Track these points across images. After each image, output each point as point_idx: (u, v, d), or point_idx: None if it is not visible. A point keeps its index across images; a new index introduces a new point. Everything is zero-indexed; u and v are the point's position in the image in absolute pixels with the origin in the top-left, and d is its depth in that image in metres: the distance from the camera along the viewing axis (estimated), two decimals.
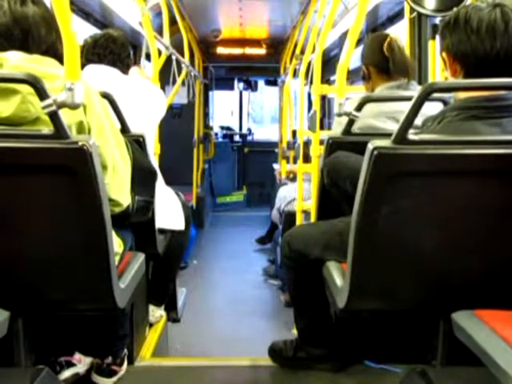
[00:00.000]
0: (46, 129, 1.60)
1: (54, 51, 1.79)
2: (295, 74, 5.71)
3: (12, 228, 1.68)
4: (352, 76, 5.45)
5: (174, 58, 4.65)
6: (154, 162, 2.96)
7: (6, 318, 1.67)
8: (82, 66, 2.78)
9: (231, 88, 10.32)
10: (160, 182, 2.67)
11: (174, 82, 4.82)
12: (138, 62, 3.20)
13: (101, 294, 1.83)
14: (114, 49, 2.88)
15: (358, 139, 2.31)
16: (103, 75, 2.79)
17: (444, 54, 1.80)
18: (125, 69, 2.93)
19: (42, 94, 1.51)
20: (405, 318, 2.11)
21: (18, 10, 1.75)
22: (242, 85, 10.15)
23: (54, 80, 1.68)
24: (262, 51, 8.77)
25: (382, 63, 2.67)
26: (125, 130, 2.40)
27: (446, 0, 2.64)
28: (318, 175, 2.80)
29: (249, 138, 10.48)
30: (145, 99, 2.91)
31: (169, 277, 3.42)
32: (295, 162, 5.19)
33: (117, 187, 1.89)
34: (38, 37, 1.77)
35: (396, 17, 4.41)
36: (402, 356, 2.33)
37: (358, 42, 2.74)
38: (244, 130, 10.68)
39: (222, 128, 10.42)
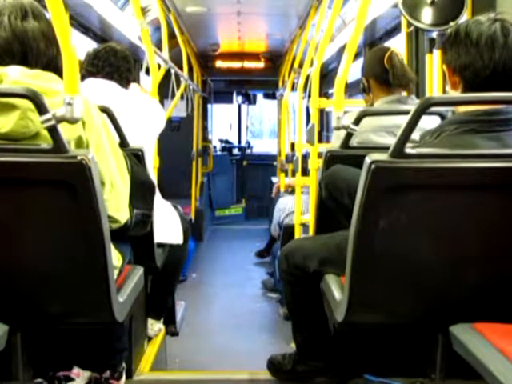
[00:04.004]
0: (46, 143, 1.60)
1: (54, 65, 1.80)
2: (294, 87, 5.72)
3: (11, 242, 1.68)
4: (350, 89, 5.48)
5: (172, 71, 4.66)
6: (153, 175, 2.96)
7: (4, 332, 1.67)
8: (82, 78, 2.82)
9: (230, 101, 10.33)
10: (157, 196, 2.67)
11: (173, 95, 4.84)
12: (137, 77, 3.21)
13: (99, 307, 1.83)
14: (114, 61, 2.91)
15: (356, 153, 2.31)
16: (101, 89, 2.80)
17: (444, 67, 1.82)
18: (124, 82, 2.94)
19: (41, 108, 1.52)
20: (404, 331, 2.10)
21: (18, 26, 1.77)
22: (240, 98, 10.16)
23: (54, 96, 1.68)
24: (260, 65, 8.80)
25: (382, 75, 2.71)
26: (124, 143, 2.41)
27: (443, 14, 2.66)
28: (316, 188, 2.80)
29: (248, 151, 10.49)
30: (143, 113, 2.92)
31: (167, 290, 3.41)
32: (294, 175, 5.19)
33: (114, 204, 1.88)
34: (37, 51, 1.78)
35: (393, 31, 4.43)
36: (402, 369, 2.32)
37: (356, 56, 2.76)
38: (243, 143, 10.70)
39: (221, 141, 10.43)
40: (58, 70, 1.79)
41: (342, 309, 1.83)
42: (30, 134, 1.69)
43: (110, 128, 2.00)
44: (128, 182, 2.04)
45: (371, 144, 2.59)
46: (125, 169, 2.03)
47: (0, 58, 1.77)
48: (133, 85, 3.08)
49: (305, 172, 3.82)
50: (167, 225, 2.98)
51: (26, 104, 1.60)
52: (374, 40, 5.05)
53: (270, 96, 9.89)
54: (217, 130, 10.91)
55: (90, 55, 2.95)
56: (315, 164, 3.15)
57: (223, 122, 11.54)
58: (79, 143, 1.77)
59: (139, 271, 2.28)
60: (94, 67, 2.90)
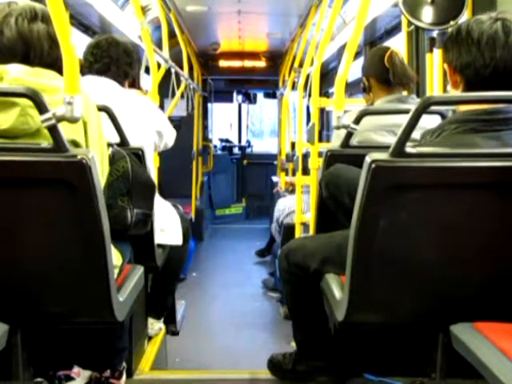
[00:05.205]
0: (46, 142, 1.60)
1: (58, 66, 1.80)
2: (294, 86, 5.73)
3: (11, 241, 1.68)
4: (350, 89, 5.48)
5: (173, 70, 4.66)
6: (154, 175, 2.96)
7: (4, 331, 1.67)
8: (81, 68, 2.79)
9: (230, 101, 10.33)
10: (157, 197, 2.67)
11: (173, 94, 4.84)
12: (138, 76, 3.19)
13: (100, 306, 1.83)
14: (113, 53, 2.84)
15: (357, 152, 2.31)
16: (100, 89, 2.78)
17: (445, 66, 1.82)
18: (121, 78, 2.88)
19: (41, 107, 1.52)
20: (404, 330, 2.10)
21: (24, 26, 1.78)
22: (240, 97, 10.16)
23: (55, 93, 1.68)
24: (260, 64, 8.80)
25: (383, 74, 2.72)
26: (124, 143, 2.41)
27: (444, 13, 2.66)
28: (316, 188, 2.80)
29: (248, 150, 10.49)
30: (143, 112, 2.91)
31: (168, 290, 3.41)
32: (294, 174, 5.19)
33: None
34: (41, 51, 1.79)
35: (393, 30, 4.44)
36: (402, 369, 2.32)
37: (356, 55, 2.76)
38: (243, 143, 10.70)
39: (221, 140, 10.43)
40: (61, 71, 1.79)
41: (342, 308, 1.83)
42: (31, 131, 1.69)
43: (103, 128, 1.99)
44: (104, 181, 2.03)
45: (371, 143, 2.59)
46: (106, 170, 2.02)
47: (3, 56, 1.78)
48: (132, 90, 3.05)
49: (305, 171, 3.81)
50: (167, 226, 2.98)
51: (27, 101, 1.61)
52: (374, 39, 5.06)
53: (271, 95, 9.89)
54: (217, 129, 10.92)
55: (92, 44, 2.89)
56: (315, 163, 3.15)
57: (223, 121, 11.54)
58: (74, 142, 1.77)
59: (139, 270, 2.28)
60: (92, 56, 2.84)
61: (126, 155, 2.22)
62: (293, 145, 6.63)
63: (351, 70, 2.56)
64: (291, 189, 6.03)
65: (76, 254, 1.71)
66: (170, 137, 3.14)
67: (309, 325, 2.41)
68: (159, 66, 4.11)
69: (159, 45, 4.41)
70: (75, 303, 1.82)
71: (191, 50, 6.89)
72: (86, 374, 2.34)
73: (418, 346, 2.01)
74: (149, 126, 2.93)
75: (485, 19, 1.73)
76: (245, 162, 10.21)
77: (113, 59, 2.84)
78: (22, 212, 1.65)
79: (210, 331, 4.76)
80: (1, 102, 1.66)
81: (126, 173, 2.21)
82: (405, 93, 2.80)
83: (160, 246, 2.84)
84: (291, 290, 2.40)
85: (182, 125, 7.98)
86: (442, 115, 2.22)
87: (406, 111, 1.61)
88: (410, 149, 1.59)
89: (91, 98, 1.89)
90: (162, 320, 3.43)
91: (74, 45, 1.58)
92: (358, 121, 2.32)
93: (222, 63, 8.82)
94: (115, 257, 1.97)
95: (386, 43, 4.53)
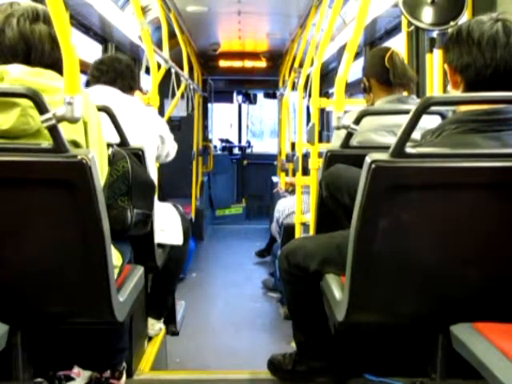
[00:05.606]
0: (46, 142, 1.60)
1: (58, 67, 1.80)
2: (294, 86, 5.73)
3: (11, 241, 1.68)
4: (350, 89, 5.47)
5: (173, 71, 4.67)
6: (155, 175, 2.96)
7: (4, 332, 1.67)
8: (87, 84, 2.97)
9: (230, 101, 10.33)
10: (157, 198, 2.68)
11: (174, 95, 4.84)
12: (139, 82, 3.27)
13: (100, 307, 1.82)
14: (117, 67, 3.03)
15: (357, 152, 2.31)
16: (103, 94, 2.83)
17: (446, 66, 1.82)
18: (126, 89, 3.03)
19: (41, 107, 1.52)
20: (404, 331, 2.10)
21: (25, 26, 1.79)
22: (240, 97, 10.16)
23: (55, 93, 1.69)
24: (260, 64, 8.80)
25: (383, 75, 2.72)
26: (124, 143, 2.41)
27: (444, 14, 2.66)
28: (316, 188, 2.80)
29: (248, 150, 10.49)
30: (147, 115, 2.95)
31: (168, 290, 3.41)
32: (294, 174, 5.19)
33: None
34: (42, 52, 1.80)
35: (394, 30, 4.43)
36: (402, 369, 2.32)
37: (356, 56, 2.76)
38: (243, 143, 10.70)
39: (222, 141, 10.43)
40: (61, 71, 1.79)
41: (342, 308, 1.83)
42: (31, 131, 1.70)
43: (102, 128, 2.00)
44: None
45: (372, 143, 2.60)
46: (105, 170, 2.03)
47: (4, 56, 1.78)
48: (136, 94, 3.15)
49: (305, 171, 3.82)
50: (167, 226, 2.99)
51: (27, 101, 1.61)
52: (374, 40, 5.05)
53: (271, 95, 9.89)
54: (217, 129, 10.91)
55: (96, 61, 3.09)
56: (315, 163, 3.15)
57: (223, 122, 11.54)
58: (75, 142, 1.77)
59: (139, 271, 2.28)
60: (98, 71, 3.02)
61: (126, 155, 2.22)
62: (293, 145, 6.63)
63: (351, 70, 2.57)
64: (291, 189, 6.02)
65: (76, 254, 1.71)
66: (171, 147, 3.20)
67: (309, 325, 2.41)
68: (159, 66, 4.11)
69: (159, 45, 4.42)
70: (75, 303, 1.82)
71: (191, 51, 6.89)
72: (86, 374, 2.33)
73: (418, 346, 2.01)
74: (151, 129, 2.95)
75: (485, 20, 1.73)
76: (245, 162, 10.20)
77: (118, 73, 3.03)
78: (22, 212, 1.65)
79: (210, 331, 4.75)
80: (1, 102, 1.66)
81: (126, 173, 2.21)
82: (405, 93, 2.80)
83: (160, 245, 2.84)
84: (291, 291, 2.40)
85: (182, 125, 7.99)
86: (442, 115, 2.22)
87: (406, 111, 1.61)
88: (410, 149, 1.59)
89: (91, 98, 1.89)
90: (162, 320, 3.44)
91: (74, 45, 1.58)
92: (358, 121, 2.32)
93: (222, 63, 8.81)
94: (115, 257, 1.97)
95: (386, 43, 4.53)
